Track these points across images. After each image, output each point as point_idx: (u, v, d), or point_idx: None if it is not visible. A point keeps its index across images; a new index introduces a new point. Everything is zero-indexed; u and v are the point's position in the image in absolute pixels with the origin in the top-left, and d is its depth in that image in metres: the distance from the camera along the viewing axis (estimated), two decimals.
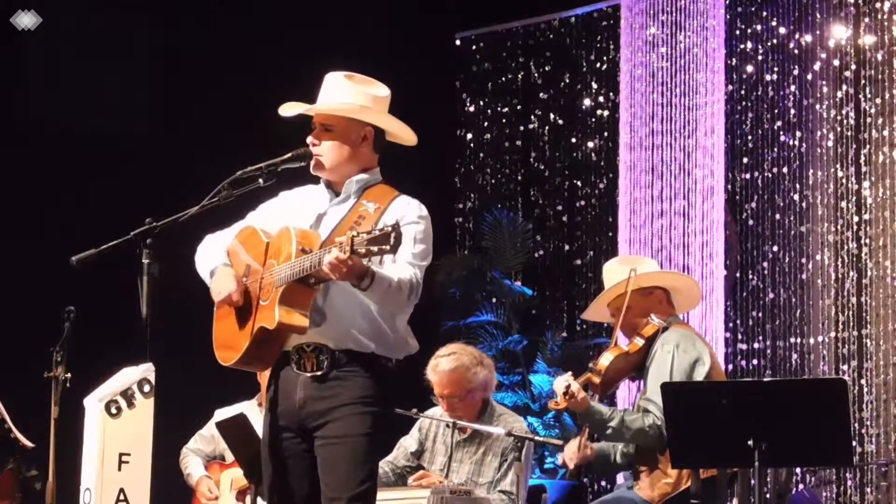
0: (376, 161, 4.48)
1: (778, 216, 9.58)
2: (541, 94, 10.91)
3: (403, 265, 4.18)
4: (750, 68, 9.75)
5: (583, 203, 10.66)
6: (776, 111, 9.66)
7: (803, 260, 9.45)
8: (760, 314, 9.58)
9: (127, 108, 8.87)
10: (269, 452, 4.34)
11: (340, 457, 4.20)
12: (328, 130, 4.39)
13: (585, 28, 10.66)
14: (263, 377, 6.54)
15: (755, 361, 9.54)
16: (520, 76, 10.99)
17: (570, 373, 5.47)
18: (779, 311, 9.51)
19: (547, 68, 10.88)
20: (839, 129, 9.31)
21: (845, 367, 9.08)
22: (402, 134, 4.50)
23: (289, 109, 4.47)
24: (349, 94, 4.41)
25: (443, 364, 6.00)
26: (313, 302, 4.19)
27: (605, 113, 10.55)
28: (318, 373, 4.25)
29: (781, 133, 9.60)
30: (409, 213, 4.30)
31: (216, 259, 4.41)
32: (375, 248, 3.86)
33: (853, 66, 9.30)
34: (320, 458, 4.25)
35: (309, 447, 4.28)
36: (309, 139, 4.41)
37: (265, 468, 4.37)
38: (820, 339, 9.29)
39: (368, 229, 3.91)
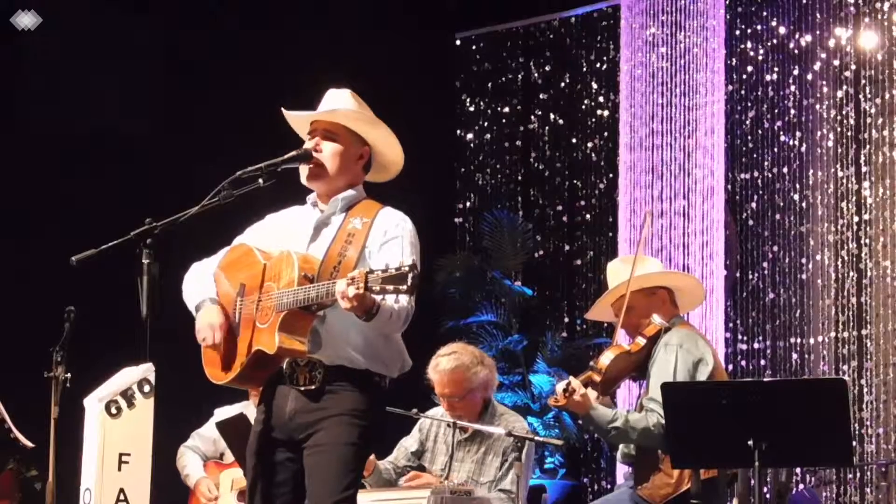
0: (362, 179, 4.49)
1: (778, 216, 9.58)
2: (541, 94, 10.91)
3: None
4: (750, 68, 9.75)
5: (583, 203, 10.67)
6: (776, 111, 9.66)
7: (803, 260, 9.45)
8: (760, 314, 9.58)
9: (127, 108, 8.86)
10: (255, 462, 4.35)
11: (327, 463, 4.20)
12: (332, 139, 4.39)
13: (585, 28, 10.67)
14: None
15: (755, 361, 9.55)
16: (520, 76, 10.99)
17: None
18: (779, 311, 9.51)
19: (547, 68, 10.88)
20: (839, 129, 9.31)
21: (845, 367, 9.08)
22: (392, 159, 4.50)
23: (297, 114, 4.47)
24: (356, 106, 4.42)
25: (443, 364, 5.99)
26: (313, 326, 4.19)
27: (605, 113, 10.56)
28: (311, 387, 4.25)
29: (781, 133, 9.61)
30: (392, 226, 4.30)
31: (202, 292, 4.39)
32: (391, 287, 3.84)
33: (853, 66, 9.31)
34: (307, 466, 4.25)
35: (295, 458, 4.28)
36: (311, 144, 4.39)
37: (249, 476, 4.38)
38: (820, 339, 9.29)
39: (384, 266, 3.88)
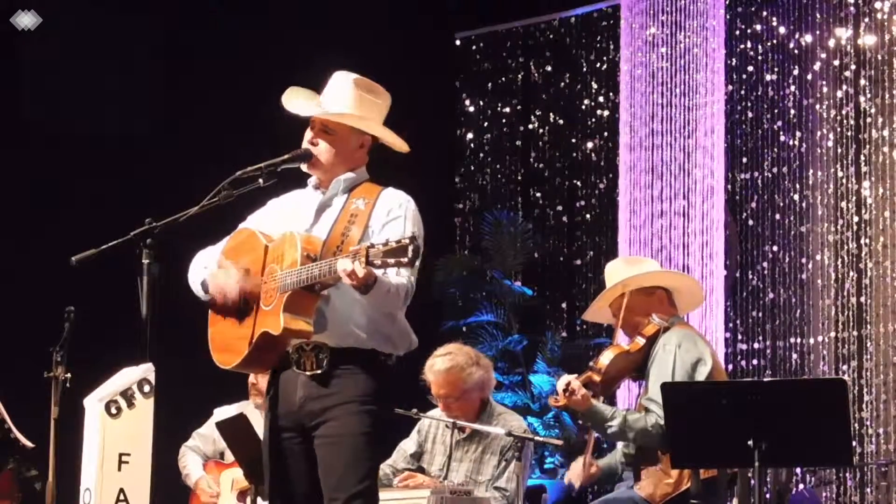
0: (364, 161, 4.49)
1: (778, 216, 9.58)
2: (541, 94, 10.91)
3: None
4: (750, 68, 9.75)
5: (583, 203, 10.67)
6: (776, 111, 9.66)
7: (803, 260, 9.45)
8: (760, 314, 9.58)
9: (127, 108, 8.87)
10: (270, 452, 4.35)
11: (338, 456, 4.19)
12: (328, 132, 4.39)
13: (585, 28, 10.67)
14: (261, 383, 6.60)
15: (755, 361, 9.54)
16: (520, 76, 10.99)
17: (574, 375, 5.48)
18: (779, 311, 9.51)
19: (547, 68, 10.89)
20: (839, 129, 9.31)
21: (845, 367, 9.08)
22: (396, 143, 4.52)
23: (294, 105, 4.46)
24: (354, 101, 4.41)
25: (438, 364, 5.99)
26: (317, 307, 4.19)
27: (605, 113, 10.56)
28: (318, 371, 4.25)
29: (781, 133, 9.60)
30: (395, 206, 4.30)
31: (207, 269, 4.41)
32: (392, 261, 3.85)
33: (853, 66, 9.31)
34: (319, 457, 4.24)
35: (309, 446, 4.27)
36: (308, 136, 4.41)
37: (266, 468, 4.37)
38: (820, 339, 9.29)
39: (385, 241, 3.90)
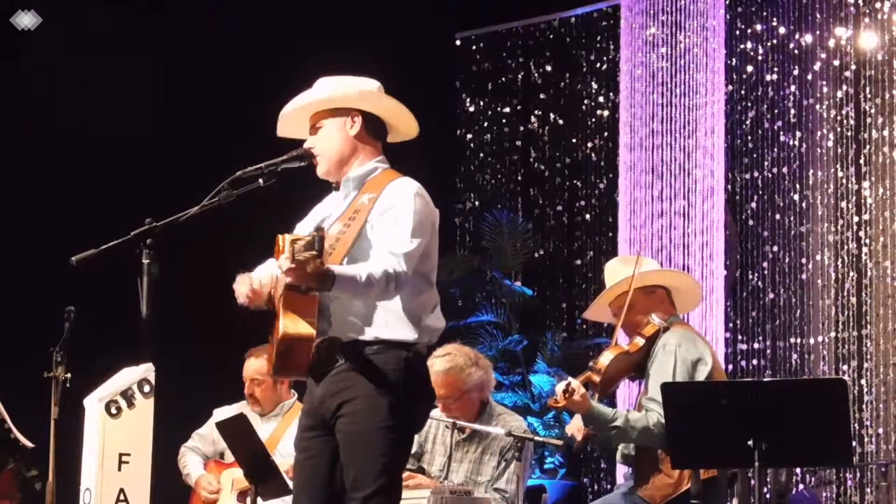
0: (379, 149, 4.46)
1: (778, 216, 9.58)
2: (541, 94, 10.92)
3: (381, 256, 4.15)
4: (750, 68, 9.75)
5: (583, 203, 10.67)
6: (776, 111, 9.66)
7: (803, 260, 9.45)
8: (760, 314, 9.58)
9: (127, 108, 8.87)
10: (297, 450, 4.36)
11: (353, 454, 4.19)
12: (317, 128, 4.41)
13: (585, 28, 10.67)
14: (257, 392, 6.65)
15: (755, 361, 9.55)
16: (520, 76, 11.00)
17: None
18: (779, 311, 9.51)
19: (547, 68, 10.89)
20: (839, 129, 9.31)
21: (845, 367, 9.09)
22: (396, 120, 4.49)
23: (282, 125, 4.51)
24: (328, 87, 4.42)
25: (437, 365, 5.98)
26: (319, 307, 4.17)
27: (605, 113, 10.56)
28: (330, 367, 4.24)
29: (781, 133, 9.61)
30: (392, 197, 4.26)
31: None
32: (308, 255, 3.87)
33: (853, 66, 9.31)
34: (340, 453, 4.25)
35: (334, 443, 4.25)
36: (305, 145, 4.42)
37: (294, 466, 4.38)
38: (820, 339, 9.30)
39: (303, 234, 3.94)
